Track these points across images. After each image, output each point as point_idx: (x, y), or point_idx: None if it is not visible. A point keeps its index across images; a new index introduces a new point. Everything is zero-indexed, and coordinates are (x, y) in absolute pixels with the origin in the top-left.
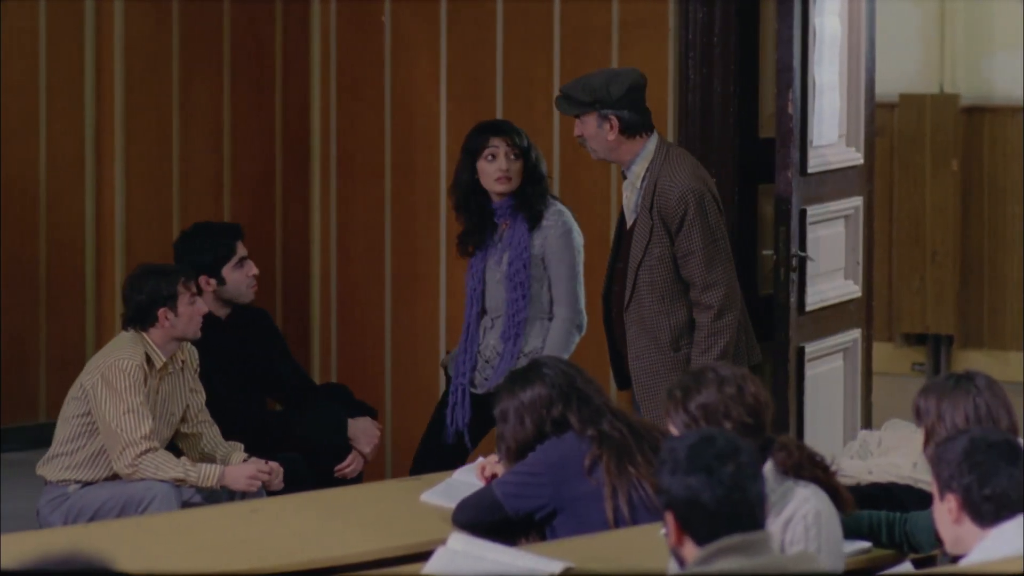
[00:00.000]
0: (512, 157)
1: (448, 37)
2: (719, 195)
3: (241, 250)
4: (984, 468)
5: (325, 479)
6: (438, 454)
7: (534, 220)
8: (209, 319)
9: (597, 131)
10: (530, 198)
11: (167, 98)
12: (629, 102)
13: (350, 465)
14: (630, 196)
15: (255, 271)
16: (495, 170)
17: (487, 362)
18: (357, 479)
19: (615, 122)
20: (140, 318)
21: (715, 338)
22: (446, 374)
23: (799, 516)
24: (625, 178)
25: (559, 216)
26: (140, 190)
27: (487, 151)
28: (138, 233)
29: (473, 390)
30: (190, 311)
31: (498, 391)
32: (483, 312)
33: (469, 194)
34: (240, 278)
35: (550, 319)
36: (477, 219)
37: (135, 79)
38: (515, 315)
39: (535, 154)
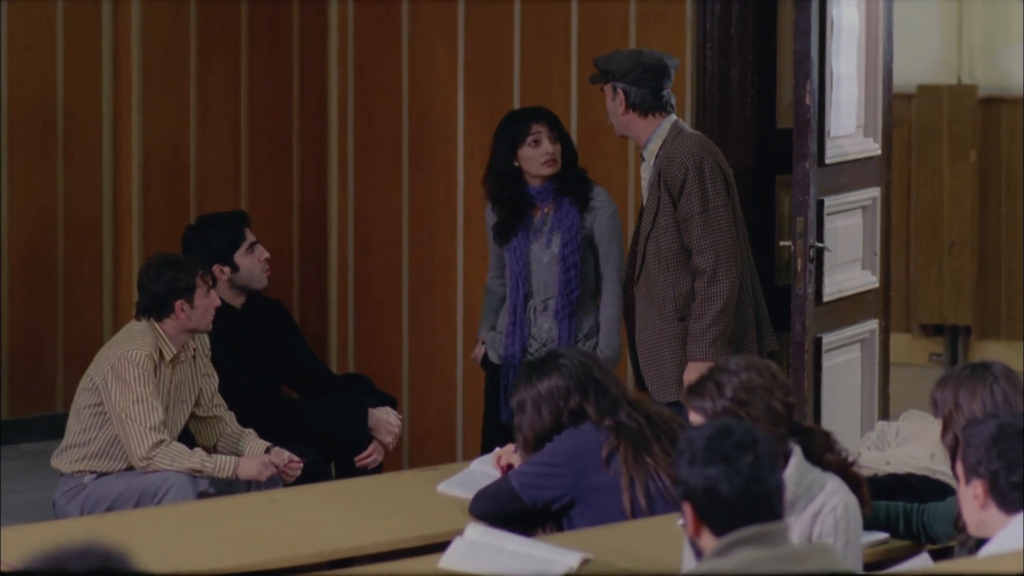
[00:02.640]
0: (553, 139)
1: (466, 29)
2: (730, 170)
3: (250, 235)
4: (1013, 455)
5: (346, 469)
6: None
7: (584, 202)
8: (224, 309)
9: (612, 104)
10: (575, 181)
11: (184, 88)
12: (637, 78)
13: (371, 455)
14: (646, 176)
15: (266, 255)
16: (541, 154)
17: (544, 345)
18: (377, 469)
19: (622, 95)
20: (156, 308)
21: (708, 304)
22: (486, 357)
23: (828, 508)
24: (643, 159)
25: (605, 196)
26: (157, 181)
27: (530, 137)
28: (155, 223)
29: None
30: (205, 303)
31: (515, 381)
32: (529, 295)
33: (508, 182)
34: (253, 263)
35: (595, 296)
36: (513, 206)
37: (152, 69)
38: (569, 295)
39: (568, 139)
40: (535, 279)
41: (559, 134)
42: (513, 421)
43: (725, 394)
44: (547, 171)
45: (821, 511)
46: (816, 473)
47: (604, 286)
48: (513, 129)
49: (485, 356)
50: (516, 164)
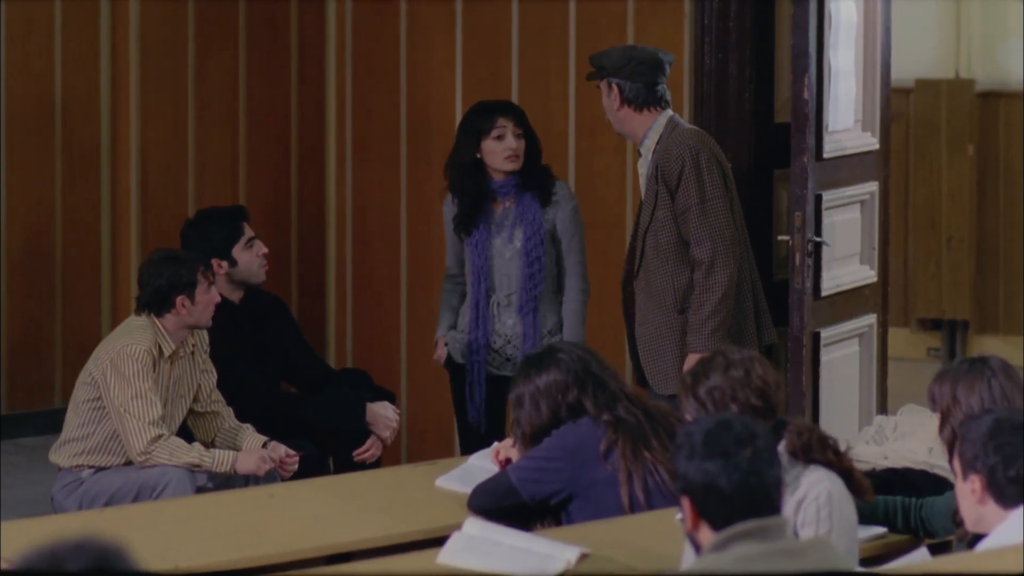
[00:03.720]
0: (517, 136)
1: (464, 23)
2: (726, 163)
3: (248, 231)
4: (1010, 449)
5: (344, 464)
6: (476, 435)
7: (546, 197)
8: (222, 304)
9: (607, 99)
10: (537, 177)
11: (182, 83)
12: (631, 73)
13: (369, 450)
14: (643, 172)
15: (264, 250)
16: (504, 148)
17: (508, 342)
18: (376, 464)
19: (617, 91)
20: (156, 303)
21: (707, 294)
22: (450, 357)
23: (811, 497)
24: (640, 155)
25: (566, 190)
26: (156, 176)
27: (495, 131)
28: (153, 220)
29: (493, 370)
30: (206, 299)
31: (513, 376)
32: (491, 290)
33: (470, 174)
34: (251, 258)
35: (558, 291)
36: (474, 198)
37: (151, 65)
38: (532, 289)
39: (534, 134)
40: (497, 274)
41: (525, 130)
42: (479, 421)
43: (697, 393)
44: (509, 166)
45: (804, 499)
46: (800, 466)
47: (567, 280)
48: (478, 121)
49: (449, 356)
50: (479, 156)
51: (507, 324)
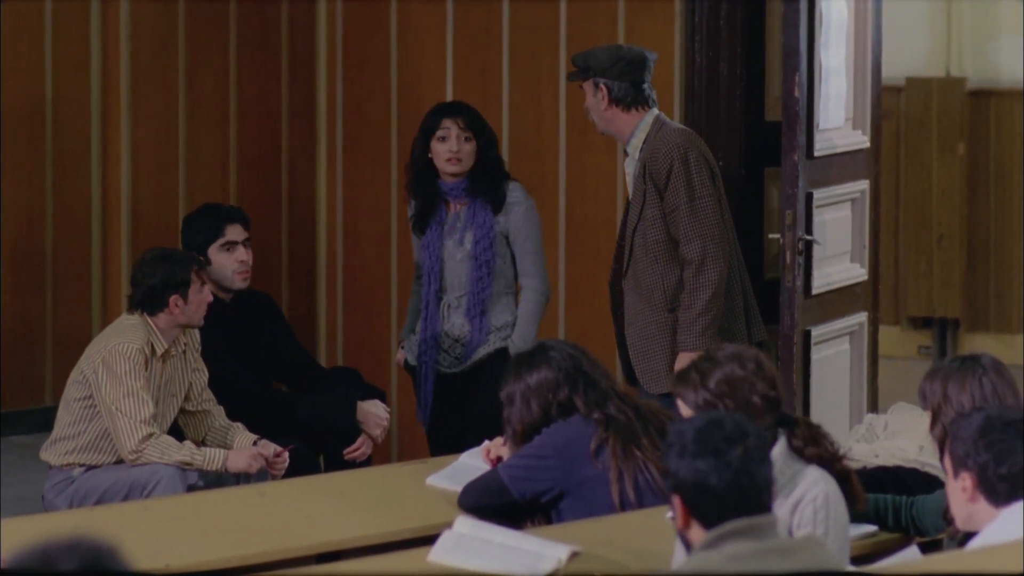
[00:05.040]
0: (463, 139)
1: (454, 22)
2: (714, 161)
3: (232, 234)
4: (1001, 447)
5: (334, 462)
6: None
7: (497, 202)
8: (214, 302)
9: (593, 100)
10: (487, 184)
11: (173, 81)
12: (620, 73)
13: (359, 448)
14: (630, 171)
15: (244, 257)
16: (445, 151)
17: (456, 341)
18: (366, 462)
19: (604, 91)
20: (149, 302)
21: (697, 293)
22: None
23: (808, 499)
24: (626, 155)
25: (519, 191)
26: (146, 173)
27: (439, 132)
28: (144, 216)
29: (443, 369)
30: (199, 299)
31: (504, 374)
32: (442, 291)
33: (422, 173)
34: (224, 261)
35: (511, 293)
36: (426, 199)
37: (141, 64)
38: (480, 293)
39: (487, 138)
40: (448, 276)
41: (475, 133)
42: (427, 420)
43: (707, 385)
44: (450, 168)
45: (801, 501)
46: (799, 463)
47: (523, 281)
48: (428, 121)
49: (407, 359)
50: (429, 156)
51: (456, 324)
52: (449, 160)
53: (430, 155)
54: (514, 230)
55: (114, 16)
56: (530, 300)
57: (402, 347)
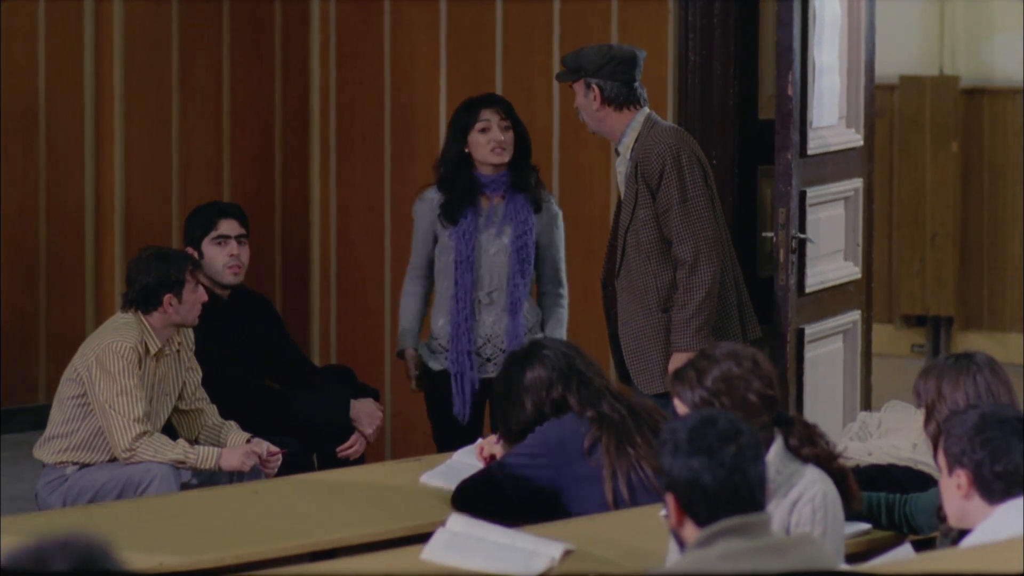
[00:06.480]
0: (504, 128)
1: (448, 21)
2: (706, 161)
3: (224, 228)
4: (996, 444)
5: (328, 460)
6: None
7: (537, 204)
8: (210, 300)
9: (584, 100)
10: (527, 176)
11: (167, 80)
12: (612, 72)
13: (353, 446)
14: (621, 171)
15: (234, 251)
16: (489, 140)
17: (487, 341)
18: (360, 460)
19: (597, 91)
20: (144, 300)
21: (690, 293)
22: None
23: (806, 498)
24: (618, 154)
25: (553, 201)
26: (140, 172)
27: (479, 124)
28: (137, 215)
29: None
30: (193, 298)
31: (498, 372)
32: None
33: (458, 169)
34: (215, 254)
35: (530, 295)
36: (462, 193)
37: (135, 63)
38: (515, 289)
39: (522, 128)
40: (481, 269)
41: (512, 122)
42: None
43: (704, 383)
44: (495, 159)
45: (799, 500)
46: (796, 463)
47: (550, 287)
48: (464, 116)
49: (425, 367)
50: (466, 151)
51: (486, 323)
52: (494, 149)
53: (466, 150)
54: (545, 236)
55: (107, 15)
56: (562, 307)
57: (413, 350)
